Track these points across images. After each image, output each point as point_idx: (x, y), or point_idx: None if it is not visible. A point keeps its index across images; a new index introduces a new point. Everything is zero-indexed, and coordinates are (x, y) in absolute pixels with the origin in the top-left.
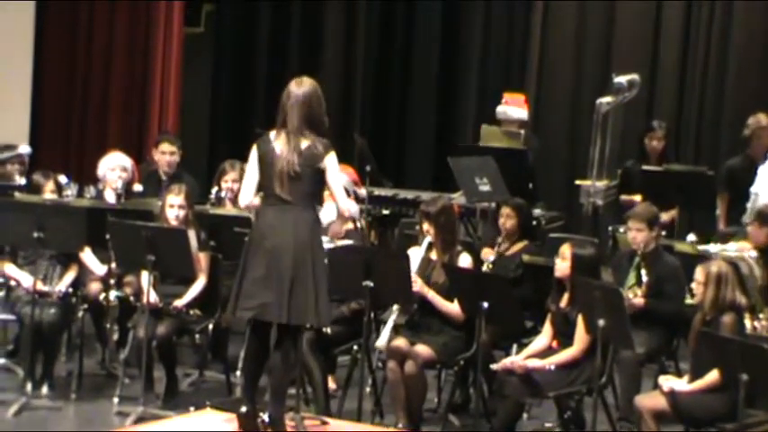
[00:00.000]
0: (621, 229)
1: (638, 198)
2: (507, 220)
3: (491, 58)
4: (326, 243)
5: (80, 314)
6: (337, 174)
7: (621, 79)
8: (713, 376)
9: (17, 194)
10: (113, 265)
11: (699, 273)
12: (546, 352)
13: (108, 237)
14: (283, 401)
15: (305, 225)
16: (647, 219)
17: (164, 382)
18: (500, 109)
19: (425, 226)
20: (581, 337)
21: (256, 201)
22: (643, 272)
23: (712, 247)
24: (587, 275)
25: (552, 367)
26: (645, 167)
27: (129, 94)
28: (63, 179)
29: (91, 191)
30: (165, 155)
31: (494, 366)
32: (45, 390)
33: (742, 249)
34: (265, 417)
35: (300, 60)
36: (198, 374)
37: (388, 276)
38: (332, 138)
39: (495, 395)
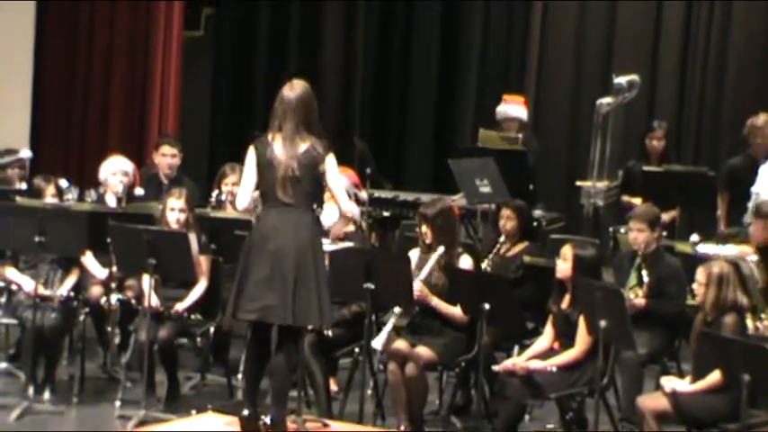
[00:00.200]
0: (622, 230)
1: (638, 201)
2: (507, 221)
3: (490, 60)
4: (328, 245)
5: (81, 318)
6: (337, 175)
7: (621, 80)
8: (715, 377)
9: (18, 199)
10: (114, 268)
11: (700, 273)
12: (547, 353)
13: (109, 240)
14: (285, 404)
15: (306, 227)
16: (648, 219)
17: (165, 386)
18: (500, 108)
19: (423, 228)
20: (582, 338)
21: (254, 205)
22: (644, 272)
23: (712, 249)
24: (588, 276)
25: (554, 368)
26: (645, 168)
27: (130, 98)
28: (64, 183)
29: (92, 195)
30: (166, 157)
31: (495, 368)
32: (47, 394)
33: (743, 253)
34: (267, 419)
35: (300, 63)
36: (199, 378)
37: (388, 278)
38: (331, 140)
39: (497, 397)
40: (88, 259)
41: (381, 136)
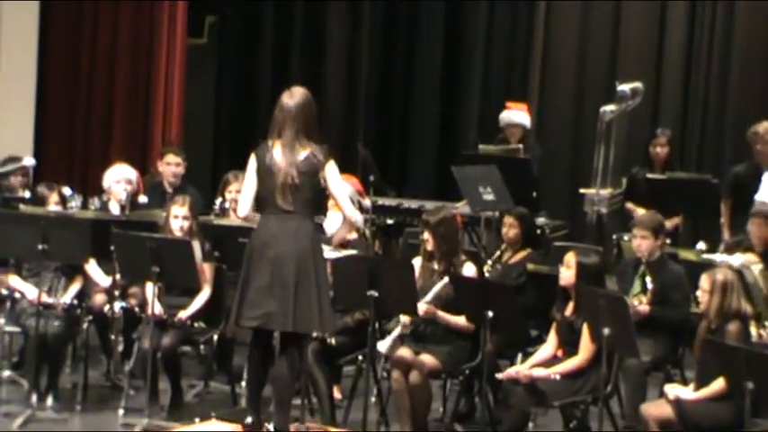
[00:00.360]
0: (626, 238)
1: (642, 210)
2: (510, 229)
3: (494, 68)
4: (330, 252)
5: (85, 326)
6: (340, 182)
7: (625, 87)
8: (719, 384)
9: (21, 206)
10: (118, 276)
11: (704, 281)
12: (551, 361)
13: (112, 248)
14: (288, 412)
15: (306, 234)
16: (651, 227)
17: (169, 394)
18: (503, 115)
19: (425, 235)
20: (586, 346)
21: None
22: (648, 279)
23: (718, 257)
24: (592, 284)
25: (557, 376)
26: (649, 176)
27: (133, 106)
28: (67, 191)
29: (95, 202)
30: (171, 166)
31: (499, 376)
32: (50, 401)
33: (748, 262)
34: (270, 427)
35: (303, 71)
36: (203, 385)
37: (392, 286)
38: (335, 148)
39: (501, 404)
40: (91, 267)
41: (385, 143)
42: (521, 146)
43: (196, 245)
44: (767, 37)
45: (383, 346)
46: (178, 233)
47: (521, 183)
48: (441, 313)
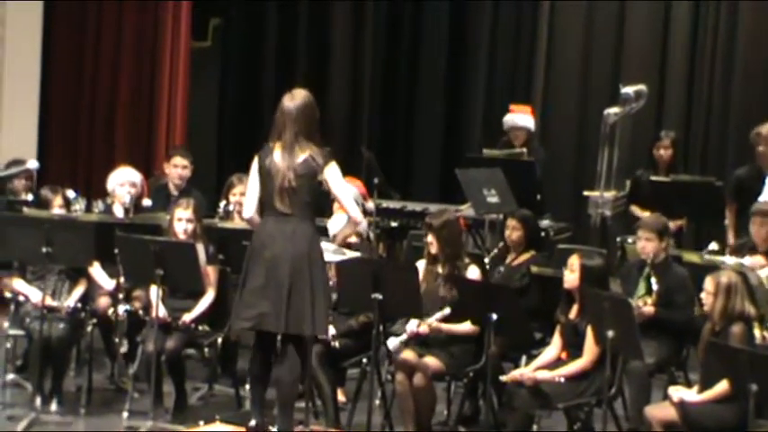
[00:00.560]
0: (630, 240)
1: (646, 214)
2: (513, 231)
3: (498, 70)
4: (332, 255)
5: (89, 329)
6: (341, 183)
7: (629, 90)
8: (723, 387)
9: (25, 210)
10: (122, 279)
11: (708, 283)
12: (555, 363)
13: (116, 251)
14: (292, 414)
15: (303, 235)
16: (656, 229)
17: (173, 397)
18: (507, 118)
19: (429, 238)
20: (590, 349)
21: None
22: (653, 280)
23: (727, 260)
24: (596, 286)
25: (562, 379)
26: (653, 178)
27: (137, 109)
28: (71, 194)
29: (99, 205)
30: (178, 168)
31: (503, 378)
32: (54, 405)
33: (755, 265)
34: (274, 430)
35: (307, 74)
36: (207, 388)
37: (396, 289)
38: (339, 150)
39: (505, 407)
40: (96, 270)
41: (389, 146)
42: (524, 149)
43: (200, 248)
44: None
45: (393, 343)
46: (182, 236)
47: (525, 185)
48: (445, 326)
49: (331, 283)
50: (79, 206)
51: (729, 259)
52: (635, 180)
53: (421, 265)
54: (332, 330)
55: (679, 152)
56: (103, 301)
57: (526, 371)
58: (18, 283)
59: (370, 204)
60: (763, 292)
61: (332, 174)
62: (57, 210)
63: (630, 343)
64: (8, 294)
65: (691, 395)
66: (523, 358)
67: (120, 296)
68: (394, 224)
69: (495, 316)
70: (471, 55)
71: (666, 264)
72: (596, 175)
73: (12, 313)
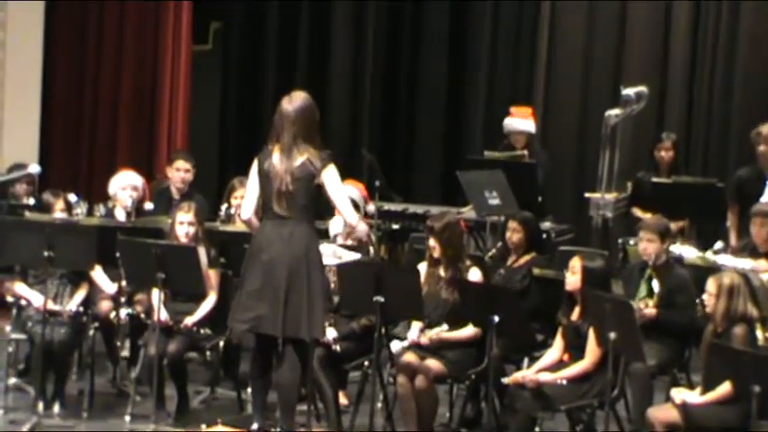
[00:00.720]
0: (632, 242)
1: (648, 216)
2: (513, 233)
3: (499, 71)
4: (331, 257)
5: (91, 333)
6: (338, 187)
7: (630, 91)
8: (725, 388)
9: (27, 214)
10: (124, 283)
11: (711, 284)
12: (557, 365)
13: (118, 255)
14: (293, 417)
15: (300, 238)
16: (658, 230)
17: (175, 400)
18: (506, 121)
19: (431, 242)
20: (592, 350)
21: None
22: (655, 282)
23: (728, 261)
24: (598, 288)
25: (564, 381)
26: (654, 179)
27: (139, 113)
28: (73, 198)
29: (101, 209)
30: (180, 172)
31: (505, 380)
32: (56, 409)
33: (757, 268)
34: None
35: (308, 76)
36: (209, 391)
37: (398, 291)
38: (340, 153)
39: (507, 409)
40: (97, 274)
41: (390, 149)
42: (526, 152)
43: (202, 251)
44: None
45: (396, 347)
46: (184, 239)
47: (526, 187)
48: (446, 335)
49: (332, 286)
50: (81, 210)
51: (731, 261)
52: (636, 182)
53: (422, 267)
54: (334, 333)
55: (680, 154)
56: (105, 305)
57: (528, 373)
58: (20, 288)
59: (371, 207)
60: (765, 294)
61: (329, 177)
62: (58, 214)
63: (632, 345)
64: (10, 298)
65: (693, 397)
66: (525, 360)
67: (122, 300)
68: (395, 227)
69: (496, 318)
70: (472, 56)
71: (668, 265)
72: (597, 176)
73: (14, 317)
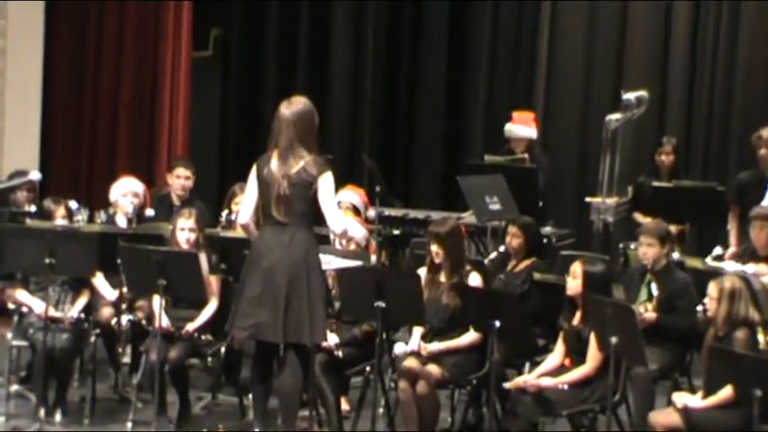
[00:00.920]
0: (632, 246)
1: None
2: (513, 238)
3: (499, 75)
4: (332, 263)
5: (92, 339)
6: (329, 194)
7: (630, 96)
8: (727, 392)
9: (28, 221)
10: (125, 289)
11: (712, 288)
12: (558, 370)
13: (119, 261)
14: (294, 423)
15: (300, 244)
16: (658, 234)
17: (176, 406)
18: (507, 127)
19: (434, 247)
20: (593, 355)
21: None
22: (653, 286)
23: (729, 266)
24: (599, 293)
25: (565, 386)
26: (655, 184)
27: (139, 119)
28: (73, 205)
29: (102, 216)
30: (180, 179)
31: (506, 385)
32: (58, 415)
33: (759, 273)
34: None
35: (308, 83)
36: (210, 397)
37: (399, 297)
38: (340, 159)
39: (509, 414)
40: (98, 280)
41: (390, 154)
42: (526, 155)
43: (203, 257)
44: None
45: (399, 349)
46: (185, 246)
47: (527, 192)
48: (446, 345)
49: (333, 292)
50: (82, 217)
51: (731, 266)
52: (637, 186)
53: (421, 273)
54: (335, 339)
55: (680, 158)
56: (106, 312)
57: (529, 378)
58: (21, 295)
59: (372, 212)
60: (767, 298)
61: (323, 184)
62: (59, 221)
63: (634, 349)
64: (11, 305)
65: (695, 401)
66: (527, 365)
67: (123, 306)
68: (396, 232)
69: (497, 323)
70: (471, 56)
71: (668, 269)
72: (598, 181)
73: (15, 324)
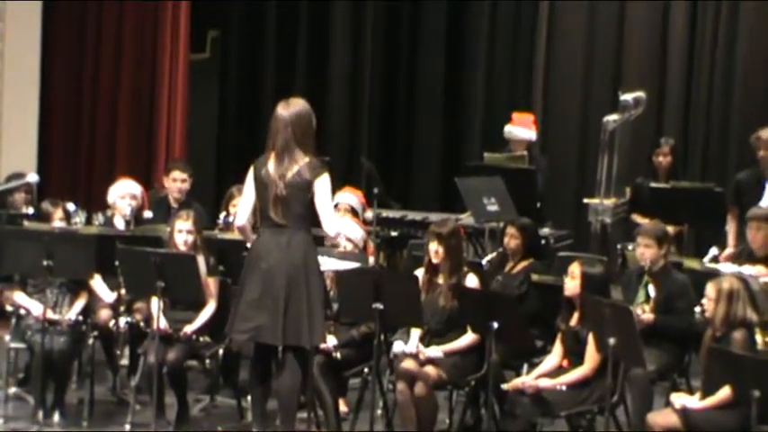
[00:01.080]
0: (630, 247)
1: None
2: (511, 240)
3: (496, 73)
4: (331, 264)
5: (90, 341)
6: (325, 196)
7: (628, 97)
8: (725, 393)
9: (26, 223)
10: (123, 291)
11: (710, 289)
12: (557, 371)
13: (117, 263)
14: (293, 424)
15: (298, 246)
16: (655, 235)
17: (175, 408)
18: (507, 129)
19: (434, 245)
20: (592, 356)
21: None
22: (650, 287)
23: (727, 267)
24: (597, 294)
25: (563, 387)
26: (653, 185)
27: (137, 121)
28: (71, 207)
29: (99, 218)
30: (177, 182)
31: (505, 386)
32: (56, 418)
33: (758, 274)
34: None
35: (306, 84)
36: (209, 399)
37: (397, 298)
38: (339, 161)
39: (507, 415)
40: (96, 282)
41: (389, 155)
42: (525, 152)
43: (201, 259)
44: None
45: (398, 347)
46: (182, 248)
47: (525, 193)
48: (445, 348)
49: (331, 294)
50: (80, 219)
51: (728, 268)
52: (635, 188)
53: (418, 274)
54: (333, 341)
55: (678, 159)
56: (104, 314)
57: (528, 379)
58: (19, 297)
59: (370, 214)
60: (765, 298)
61: (320, 186)
62: (57, 223)
63: (632, 350)
64: (9, 308)
65: (693, 402)
66: (525, 366)
67: (122, 308)
68: (394, 234)
69: (495, 324)
70: (469, 56)
71: (666, 270)
72: (596, 182)
73: (13, 326)
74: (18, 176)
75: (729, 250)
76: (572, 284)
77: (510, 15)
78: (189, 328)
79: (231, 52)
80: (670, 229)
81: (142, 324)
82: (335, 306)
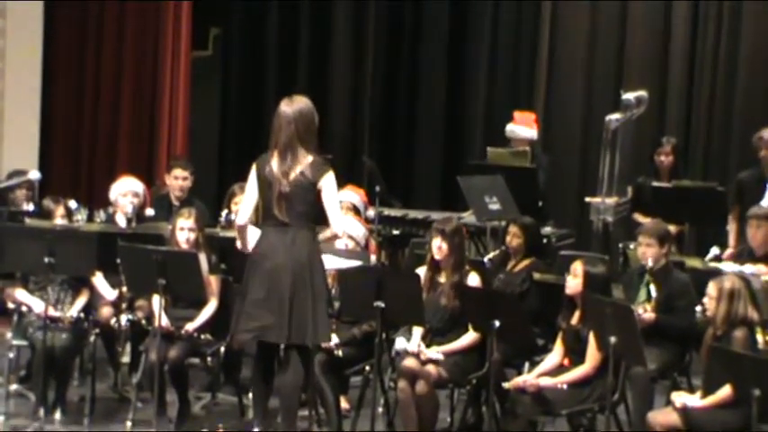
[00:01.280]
0: (632, 246)
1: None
2: (513, 238)
3: (499, 76)
4: (334, 262)
5: (92, 339)
6: (332, 193)
7: (630, 96)
8: (725, 392)
9: (27, 220)
10: (124, 289)
11: (711, 288)
12: (558, 370)
13: (119, 261)
14: (295, 422)
15: (302, 245)
16: (657, 234)
17: (176, 406)
18: (509, 127)
19: (437, 242)
20: (593, 355)
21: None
22: (652, 286)
23: (728, 267)
24: (598, 293)
25: (564, 385)
26: (655, 184)
27: (138, 119)
28: (73, 204)
29: (101, 215)
30: (178, 180)
31: (506, 385)
32: (58, 415)
33: (759, 273)
34: None
35: (308, 82)
36: (210, 397)
37: (399, 297)
38: (341, 159)
39: (508, 414)
40: (98, 280)
41: (390, 154)
42: (528, 148)
43: (202, 257)
44: None
45: (401, 344)
46: (184, 245)
47: (527, 192)
48: (445, 349)
49: (333, 291)
50: (81, 216)
51: (730, 267)
52: (637, 187)
53: (420, 272)
54: (335, 339)
55: (680, 158)
56: (106, 311)
57: (529, 377)
58: (21, 294)
59: (371, 212)
60: (766, 297)
61: (326, 185)
62: (59, 220)
63: (633, 349)
64: (11, 305)
65: (694, 400)
66: (526, 365)
67: (123, 306)
68: (396, 232)
69: (497, 323)
70: (472, 60)
71: (667, 269)
72: (598, 181)
73: (15, 324)
74: (20, 173)
75: (731, 250)
76: (574, 282)
77: (512, 15)
78: (190, 326)
79: (233, 50)
80: (672, 228)
81: (143, 321)
82: (337, 304)
